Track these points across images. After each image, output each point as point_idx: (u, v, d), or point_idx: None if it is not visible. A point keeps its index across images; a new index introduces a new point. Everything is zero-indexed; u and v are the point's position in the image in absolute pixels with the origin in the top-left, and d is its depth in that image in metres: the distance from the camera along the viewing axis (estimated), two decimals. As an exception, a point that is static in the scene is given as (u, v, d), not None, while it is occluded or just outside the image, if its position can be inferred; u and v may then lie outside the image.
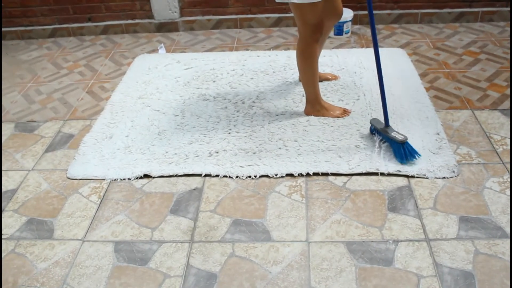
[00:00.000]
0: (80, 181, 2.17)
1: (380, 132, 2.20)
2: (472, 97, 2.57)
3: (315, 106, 2.42)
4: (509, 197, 1.93)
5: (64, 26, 3.59)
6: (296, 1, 2.05)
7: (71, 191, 2.11)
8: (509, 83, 2.66)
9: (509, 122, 2.35)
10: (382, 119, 2.22)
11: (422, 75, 2.79)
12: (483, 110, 2.46)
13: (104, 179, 2.16)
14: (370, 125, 2.29)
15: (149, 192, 2.07)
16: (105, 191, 2.09)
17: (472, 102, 2.53)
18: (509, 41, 3.11)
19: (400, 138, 2.10)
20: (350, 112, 2.44)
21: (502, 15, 3.36)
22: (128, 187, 2.11)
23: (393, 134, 2.13)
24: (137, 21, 3.56)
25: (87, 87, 2.92)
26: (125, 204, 2.02)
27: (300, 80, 2.75)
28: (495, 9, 3.35)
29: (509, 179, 2.01)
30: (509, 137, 2.25)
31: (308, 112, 2.45)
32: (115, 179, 2.15)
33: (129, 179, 2.15)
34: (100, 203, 2.04)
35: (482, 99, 2.55)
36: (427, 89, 2.65)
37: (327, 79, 2.74)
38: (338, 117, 2.42)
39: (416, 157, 2.12)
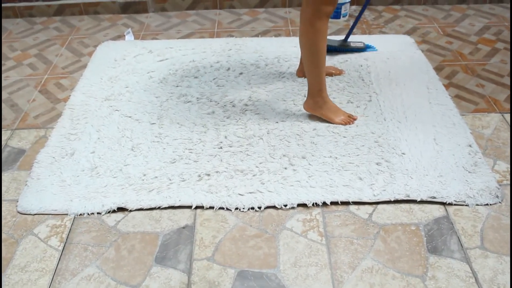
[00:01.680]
0: (35, 217, 1.70)
1: (339, 48, 2.47)
2: (498, 96, 2.22)
3: (317, 101, 2.01)
4: None
5: (9, 5, 3.00)
6: None
7: (24, 231, 1.65)
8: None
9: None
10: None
11: (438, 69, 2.41)
12: (513, 113, 2.12)
13: (66, 214, 1.70)
14: None
15: (126, 232, 1.63)
16: (69, 231, 1.64)
17: (500, 103, 2.18)
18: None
19: (361, 45, 2.49)
20: (355, 119, 2.04)
21: (513, -5, 3.00)
22: (98, 225, 1.66)
23: (353, 45, 2.48)
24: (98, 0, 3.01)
25: (40, 84, 2.40)
26: (96, 250, 1.58)
27: (298, 75, 2.32)
28: (506, -11, 2.99)
29: None
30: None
31: (309, 107, 2.04)
32: (80, 214, 1.70)
33: (99, 213, 1.70)
34: (63, 249, 1.58)
35: (510, 99, 2.20)
36: (446, 87, 2.28)
37: (330, 74, 2.32)
38: (342, 123, 2.01)
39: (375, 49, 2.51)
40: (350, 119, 2.03)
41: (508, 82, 2.31)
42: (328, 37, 2.48)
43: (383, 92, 2.22)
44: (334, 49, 2.49)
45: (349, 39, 2.54)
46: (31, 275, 1.50)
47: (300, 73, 2.30)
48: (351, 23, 2.87)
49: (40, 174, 1.84)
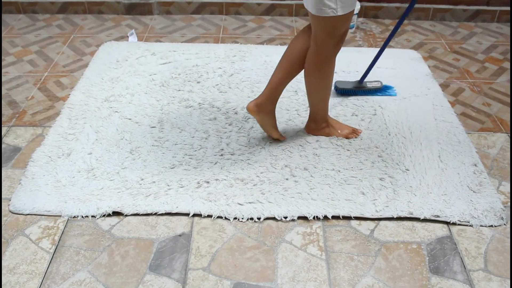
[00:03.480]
0: (28, 217, 1.65)
1: (354, 91, 2.23)
2: (504, 116, 2.19)
3: (320, 124, 1.98)
4: None
5: (12, 1, 2.96)
6: (336, 14, 1.54)
7: (15, 231, 1.60)
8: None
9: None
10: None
11: (444, 85, 2.38)
12: (520, 133, 2.08)
13: (60, 216, 1.65)
14: (335, 88, 2.25)
15: (120, 237, 1.58)
16: (61, 234, 1.59)
17: (506, 123, 2.14)
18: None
19: (379, 85, 2.24)
20: (360, 133, 2.00)
21: (521, 16, 2.99)
22: (92, 228, 1.61)
23: (369, 85, 2.23)
24: (102, -1, 2.98)
25: (39, 81, 2.36)
26: (89, 254, 1.53)
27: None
28: (514, 8, 2.97)
29: None
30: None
31: (311, 130, 2.01)
32: (74, 216, 1.65)
33: (93, 216, 1.65)
34: (55, 252, 1.53)
35: (517, 119, 2.17)
36: (452, 104, 2.24)
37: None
38: (347, 137, 1.97)
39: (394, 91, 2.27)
40: (354, 134, 1.99)
41: (515, 102, 2.28)
42: (341, 80, 2.28)
43: (388, 106, 2.19)
44: (349, 92, 2.25)
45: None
46: (19, 278, 1.45)
47: None
48: (357, 35, 2.84)
49: (35, 173, 1.79)
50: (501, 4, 2.96)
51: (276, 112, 2.11)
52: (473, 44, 2.77)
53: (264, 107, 1.83)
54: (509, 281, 1.48)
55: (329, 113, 1.99)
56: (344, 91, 2.24)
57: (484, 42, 2.80)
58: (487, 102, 2.28)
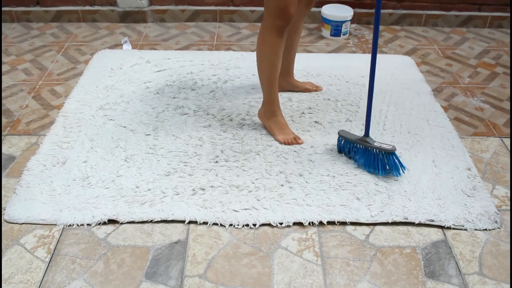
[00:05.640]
0: (23, 227, 1.64)
1: (358, 144, 1.85)
2: (497, 120, 2.21)
3: (266, 112, 2.01)
4: None
5: (6, 9, 2.96)
6: None
7: (10, 241, 1.59)
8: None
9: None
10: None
11: (437, 90, 2.40)
12: None
13: (55, 224, 1.65)
14: (338, 139, 1.93)
15: (116, 245, 1.58)
16: (57, 242, 1.59)
17: (499, 127, 2.16)
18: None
19: (389, 148, 1.78)
20: (300, 143, 1.97)
21: (512, 21, 3.02)
22: (87, 236, 1.61)
23: (377, 144, 1.80)
24: (96, 7, 2.98)
25: (34, 90, 2.36)
26: (84, 263, 1.52)
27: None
28: (505, 14, 3.00)
29: None
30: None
31: (259, 115, 2.06)
32: (70, 225, 1.64)
33: (88, 225, 1.65)
34: (50, 261, 1.53)
35: (509, 123, 2.19)
36: (446, 109, 2.26)
37: (307, 90, 2.29)
38: (282, 142, 1.97)
39: (404, 170, 1.83)
40: (293, 141, 1.97)
41: (507, 107, 2.30)
42: (343, 130, 1.93)
43: (383, 111, 2.20)
44: (350, 148, 1.89)
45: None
46: (15, 287, 1.44)
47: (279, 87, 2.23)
48: (351, 41, 2.86)
49: (30, 182, 1.79)
50: (493, 10, 2.99)
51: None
52: (466, 50, 2.80)
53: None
54: (504, 284, 1.48)
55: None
56: (343, 145, 1.91)
57: (476, 48, 2.82)
58: (480, 106, 2.30)
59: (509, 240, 1.63)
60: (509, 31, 3.02)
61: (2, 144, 2.00)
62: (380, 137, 2.04)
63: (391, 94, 2.31)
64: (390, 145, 1.80)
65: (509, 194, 1.82)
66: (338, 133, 1.90)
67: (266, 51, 1.84)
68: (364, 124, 1.86)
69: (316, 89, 2.32)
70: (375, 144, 1.81)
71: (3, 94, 2.32)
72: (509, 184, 1.86)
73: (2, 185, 1.80)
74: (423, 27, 3.03)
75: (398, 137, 2.04)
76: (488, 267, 1.54)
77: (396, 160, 1.80)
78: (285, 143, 1.97)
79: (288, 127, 2.00)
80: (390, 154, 1.79)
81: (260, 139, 2.00)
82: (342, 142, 1.91)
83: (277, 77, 1.91)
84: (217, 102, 2.23)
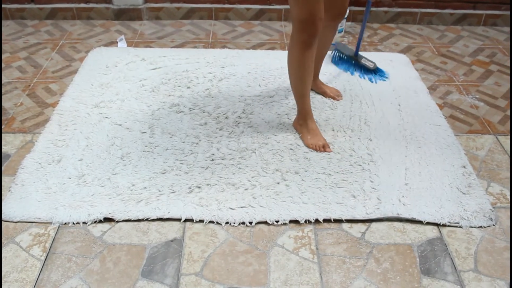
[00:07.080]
0: (18, 225, 1.64)
1: (350, 58, 2.42)
2: (492, 118, 2.22)
3: (299, 119, 2.01)
4: None
5: (0, 7, 2.95)
6: None
7: (5, 239, 1.59)
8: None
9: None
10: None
11: (432, 88, 2.41)
12: (507, 135, 2.11)
13: (50, 223, 1.64)
14: (333, 52, 2.50)
15: (112, 243, 1.58)
16: (52, 241, 1.58)
17: (494, 125, 2.17)
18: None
19: (371, 66, 2.37)
20: (329, 152, 1.95)
21: (506, 19, 3.03)
22: (83, 235, 1.60)
23: (363, 62, 2.38)
24: (91, 5, 2.97)
25: (28, 88, 2.35)
26: (80, 261, 1.52)
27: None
28: (499, 12, 3.01)
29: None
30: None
31: (294, 123, 2.06)
32: (65, 223, 1.64)
33: (84, 223, 1.64)
34: (46, 259, 1.52)
35: (504, 121, 2.20)
36: (441, 107, 2.27)
37: (326, 95, 2.28)
38: (313, 148, 1.95)
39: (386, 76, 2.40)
40: (321, 148, 1.95)
41: (502, 104, 2.31)
42: (342, 44, 2.52)
43: (377, 110, 2.20)
44: (344, 63, 2.49)
45: (360, 53, 2.49)
46: (10, 286, 1.44)
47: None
48: (346, 39, 2.86)
49: (25, 180, 1.78)
50: (487, 8, 3.00)
51: (265, 116, 2.13)
52: (460, 48, 2.81)
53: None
54: (499, 281, 1.49)
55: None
56: (340, 58, 2.48)
57: (471, 45, 2.83)
58: (474, 104, 2.31)
59: (505, 237, 1.64)
60: (503, 29, 3.03)
61: (-3, 142, 1.99)
62: (374, 134, 2.04)
63: (386, 92, 2.32)
64: (373, 63, 2.38)
65: (504, 192, 1.82)
66: (336, 48, 2.48)
67: (293, 64, 1.83)
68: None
69: (335, 98, 2.26)
70: (362, 61, 2.40)
71: (-3, 92, 2.31)
72: (505, 182, 1.87)
73: (-3, 184, 1.80)
74: (418, 25, 3.04)
75: (393, 134, 2.04)
76: (483, 264, 1.55)
77: (378, 73, 2.39)
78: (314, 149, 1.95)
79: (319, 134, 1.98)
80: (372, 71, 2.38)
81: (256, 137, 2.00)
82: (337, 55, 2.47)
83: (307, 88, 1.90)
84: (212, 100, 2.23)
